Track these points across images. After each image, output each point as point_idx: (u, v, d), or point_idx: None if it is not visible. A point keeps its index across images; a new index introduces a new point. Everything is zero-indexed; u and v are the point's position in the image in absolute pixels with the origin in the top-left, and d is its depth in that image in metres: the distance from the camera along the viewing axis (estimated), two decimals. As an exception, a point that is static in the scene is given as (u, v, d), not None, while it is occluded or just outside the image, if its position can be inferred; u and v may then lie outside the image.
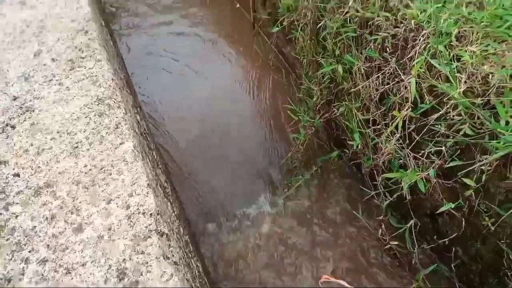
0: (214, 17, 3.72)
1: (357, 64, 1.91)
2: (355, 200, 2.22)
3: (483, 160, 1.30)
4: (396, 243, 1.74)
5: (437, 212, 1.57)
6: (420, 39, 1.54)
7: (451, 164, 1.35)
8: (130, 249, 1.08)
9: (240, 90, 3.05)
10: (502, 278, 1.52)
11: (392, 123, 1.58)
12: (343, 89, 2.15)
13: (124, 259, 1.06)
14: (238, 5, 3.51)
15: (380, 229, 1.81)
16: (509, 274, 1.44)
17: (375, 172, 1.98)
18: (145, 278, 1.02)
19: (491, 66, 1.32)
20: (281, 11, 2.49)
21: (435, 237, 1.67)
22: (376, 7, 1.77)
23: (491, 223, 1.44)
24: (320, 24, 2.14)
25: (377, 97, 1.76)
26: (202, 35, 3.54)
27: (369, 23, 1.84)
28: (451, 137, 1.35)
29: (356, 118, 1.92)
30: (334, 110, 2.17)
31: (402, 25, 1.64)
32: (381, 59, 1.77)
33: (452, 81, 1.30)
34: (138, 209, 1.17)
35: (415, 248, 1.64)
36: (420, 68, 1.47)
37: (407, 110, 1.53)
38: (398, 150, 1.59)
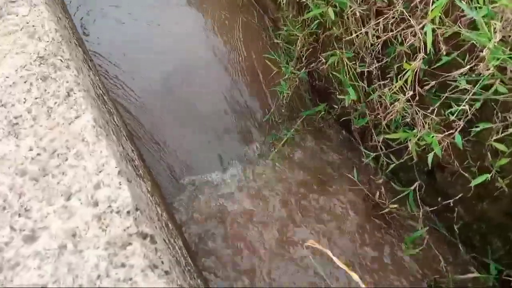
0: None
1: (350, 7, 1.64)
2: (342, 160, 2.05)
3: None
4: (396, 205, 1.62)
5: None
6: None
7: (481, 127, 1.18)
8: (105, 262, 0.82)
9: (205, 36, 2.67)
10: (507, 239, 1.46)
11: (400, 77, 1.37)
12: (331, 35, 1.89)
13: (99, 276, 0.81)
14: None
15: (379, 192, 1.67)
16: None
17: (367, 131, 1.81)
18: (130, 300, 0.79)
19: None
20: None
21: (439, 198, 1.56)
22: None
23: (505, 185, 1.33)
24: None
25: (379, 46, 1.52)
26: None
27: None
28: (477, 94, 1.16)
29: (351, 71, 1.69)
30: (321, 60, 1.92)
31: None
32: (384, 1, 1.51)
33: (485, 29, 1.08)
34: (110, 206, 0.90)
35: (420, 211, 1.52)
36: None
37: (419, 61, 1.31)
38: (406, 108, 1.40)
